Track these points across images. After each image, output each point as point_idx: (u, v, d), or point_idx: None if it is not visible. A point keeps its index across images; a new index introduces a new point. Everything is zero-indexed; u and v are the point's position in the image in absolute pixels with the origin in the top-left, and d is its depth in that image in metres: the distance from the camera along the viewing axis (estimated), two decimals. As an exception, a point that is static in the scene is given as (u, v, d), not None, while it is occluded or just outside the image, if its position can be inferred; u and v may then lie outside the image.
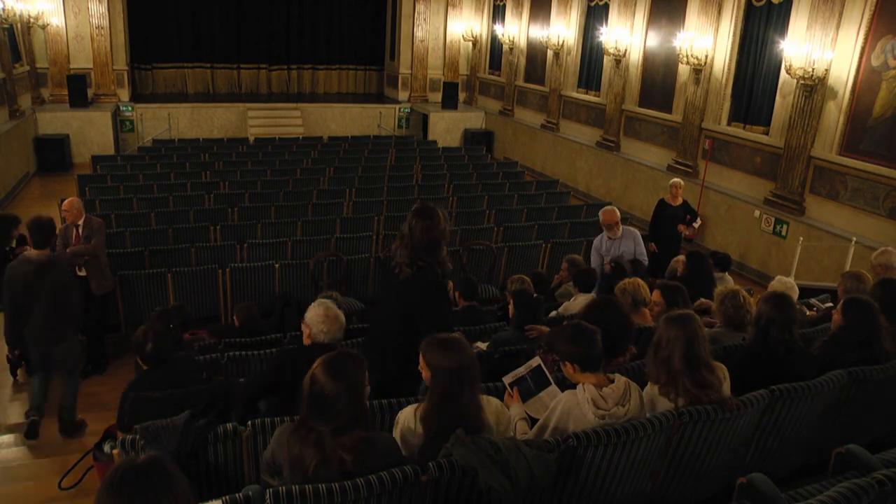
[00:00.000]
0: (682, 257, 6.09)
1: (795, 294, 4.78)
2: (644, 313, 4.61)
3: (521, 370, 3.17)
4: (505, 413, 2.87)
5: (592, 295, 5.36)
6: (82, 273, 6.18)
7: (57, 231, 5.77)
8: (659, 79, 12.20)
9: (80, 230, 6.15)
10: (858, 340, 3.46)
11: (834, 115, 8.64)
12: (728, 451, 3.08)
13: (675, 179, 8.59)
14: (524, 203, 10.88)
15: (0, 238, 5.92)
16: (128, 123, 16.20)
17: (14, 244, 6.15)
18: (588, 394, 2.80)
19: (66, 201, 6.27)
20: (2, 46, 12.82)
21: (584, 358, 2.87)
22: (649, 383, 3.07)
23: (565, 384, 3.06)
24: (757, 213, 9.32)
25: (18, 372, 6.07)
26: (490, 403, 2.77)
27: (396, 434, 2.69)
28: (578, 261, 6.58)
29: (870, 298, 3.63)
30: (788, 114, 9.22)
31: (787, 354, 3.37)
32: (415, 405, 2.72)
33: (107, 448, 3.72)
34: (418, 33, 18.75)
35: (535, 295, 4.67)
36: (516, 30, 16.97)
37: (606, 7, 13.37)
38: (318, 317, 3.19)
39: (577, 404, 2.82)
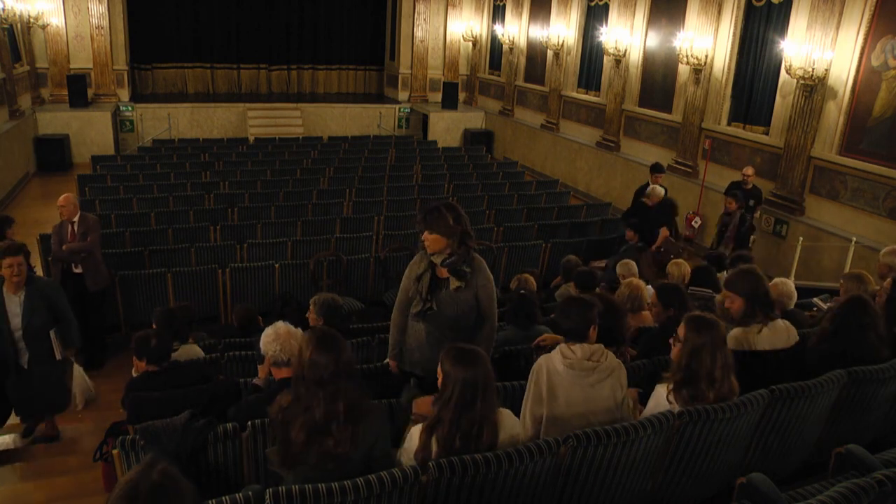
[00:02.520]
0: (680, 260, 6.09)
1: (793, 299, 4.76)
2: (643, 315, 4.62)
3: None
4: (516, 428, 2.81)
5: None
6: (78, 270, 6.18)
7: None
8: (659, 79, 12.19)
9: (76, 227, 6.14)
10: (847, 338, 3.45)
11: (834, 115, 8.63)
12: (728, 451, 3.08)
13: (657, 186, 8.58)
14: (524, 203, 10.88)
15: None
16: (128, 123, 16.19)
17: None
18: (559, 350, 2.99)
19: (61, 197, 6.23)
20: (2, 46, 12.82)
21: (567, 331, 3.03)
22: (658, 384, 3.07)
23: None
24: (757, 212, 9.30)
25: None
26: (503, 416, 2.71)
27: (406, 456, 2.66)
28: (574, 262, 6.61)
29: (865, 296, 3.63)
30: (788, 114, 9.21)
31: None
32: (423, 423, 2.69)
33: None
34: (418, 33, 18.74)
35: (522, 292, 4.71)
36: (516, 30, 16.97)
37: (606, 7, 13.36)
38: (268, 338, 3.22)
39: (549, 359, 2.99)
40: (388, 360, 3.87)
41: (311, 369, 2.50)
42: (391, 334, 3.80)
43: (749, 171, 8.86)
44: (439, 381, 2.63)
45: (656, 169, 9.05)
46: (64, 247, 6.11)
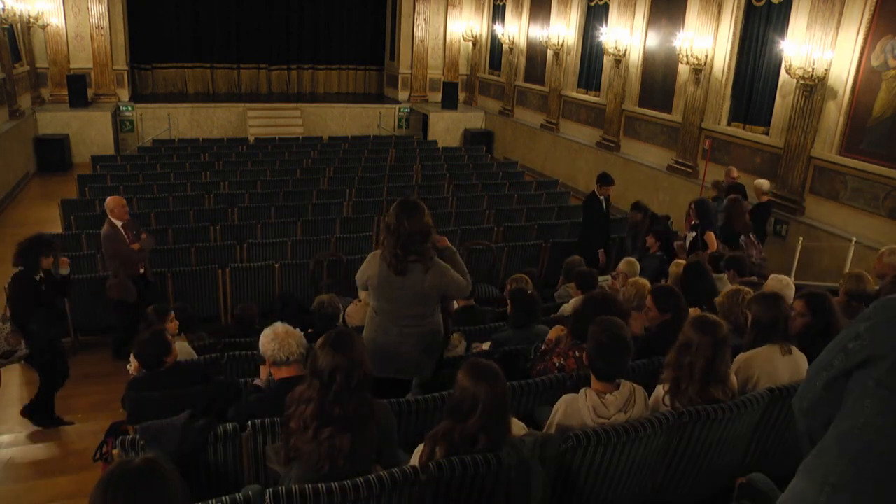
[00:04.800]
0: (681, 260, 6.07)
1: (791, 292, 4.76)
2: (641, 317, 4.61)
3: None
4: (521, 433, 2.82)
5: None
6: (142, 269, 6.25)
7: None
8: (659, 79, 12.19)
9: (128, 227, 6.13)
10: (816, 334, 3.43)
11: (834, 115, 8.63)
12: (728, 451, 3.08)
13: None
14: (524, 203, 10.88)
15: (28, 266, 5.01)
16: (128, 123, 16.19)
17: (49, 269, 5.21)
18: (589, 401, 2.81)
19: (114, 199, 6.15)
20: (2, 46, 12.82)
21: (600, 371, 2.87)
22: (659, 385, 3.07)
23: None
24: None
25: None
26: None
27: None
28: (577, 263, 6.59)
29: (825, 292, 3.65)
30: (788, 114, 9.21)
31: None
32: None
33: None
34: (418, 33, 18.74)
35: (530, 293, 4.69)
36: (516, 30, 16.97)
37: (606, 7, 13.36)
38: (267, 338, 3.21)
39: (577, 410, 2.81)
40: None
41: (321, 367, 2.49)
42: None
43: (734, 172, 8.92)
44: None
45: (605, 180, 8.13)
46: (139, 245, 6.10)
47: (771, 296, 3.53)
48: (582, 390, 2.87)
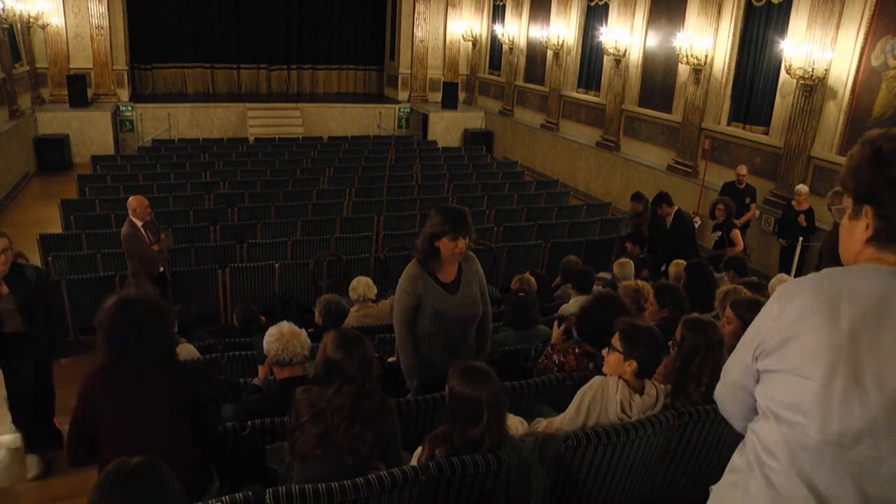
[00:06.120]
0: (681, 261, 6.07)
1: None
2: (645, 316, 4.61)
3: None
4: (518, 430, 2.84)
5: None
6: (161, 269, 6.23)
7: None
8: (659, 79, 12.19)
9: (148, 227, 6.13)
10: None
11: (834, 115, 8.63)
12: (728, 451, 3.08)
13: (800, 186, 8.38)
14: (524, 203, 10.88)
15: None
16: (128, 123, 16.19)
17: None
18: (620, 394, 2.78)
19: (138, 199, 6.10)
20: (2, 46, 12.81)
21: (649, 365, 2.85)
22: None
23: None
24: (757, 212, 9.33)
25: None
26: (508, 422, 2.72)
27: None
28: (573, 262, 6.60)
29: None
30: (788, 114, 9.21)
31: None
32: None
33: None
34: (418, 33, 18.74)
35: (521, 294, 4.72)
36: (516, 30, 16.97)
37: (606, 7, 13.36)
38: (272, 337, 3.19)
39: (607, 396, 2.79)
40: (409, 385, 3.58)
41: (336, 368, 2.49)
42: (405, 357, 3.51)
43: (742, 170, 8.88)
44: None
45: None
46: (158, 247, 6.09)
47: None
48: (614, 377, 2.81)
